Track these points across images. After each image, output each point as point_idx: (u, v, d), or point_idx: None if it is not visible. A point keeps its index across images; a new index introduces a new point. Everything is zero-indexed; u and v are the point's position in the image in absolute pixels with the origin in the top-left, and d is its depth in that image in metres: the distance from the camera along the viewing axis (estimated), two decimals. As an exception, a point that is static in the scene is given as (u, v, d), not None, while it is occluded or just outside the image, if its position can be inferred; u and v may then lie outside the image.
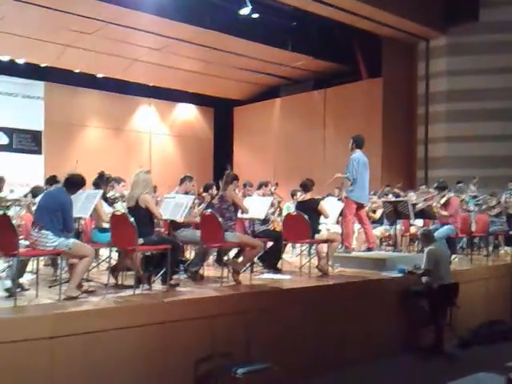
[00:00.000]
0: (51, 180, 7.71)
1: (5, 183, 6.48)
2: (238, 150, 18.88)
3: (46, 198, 5.49)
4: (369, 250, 8.21)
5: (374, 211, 10.26)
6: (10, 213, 6.53)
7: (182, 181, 7.33)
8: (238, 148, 18.89)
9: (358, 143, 8.18)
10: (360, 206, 8.13)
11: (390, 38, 14.66)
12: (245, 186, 8.75)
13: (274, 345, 5.60)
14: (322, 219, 7.59)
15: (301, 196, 8.28)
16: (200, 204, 7.96)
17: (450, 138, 14.23)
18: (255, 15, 13.59)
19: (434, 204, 8.93)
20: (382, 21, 13.63)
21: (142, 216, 5.84)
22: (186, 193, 7.18)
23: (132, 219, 5.55)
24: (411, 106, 15.11)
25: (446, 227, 8.66)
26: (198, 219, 6.99)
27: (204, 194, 8.13)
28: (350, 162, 8.06)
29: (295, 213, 7.33)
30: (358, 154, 8.10)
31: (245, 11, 13.18)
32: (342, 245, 8.04)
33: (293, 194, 10.05)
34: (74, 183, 5.52)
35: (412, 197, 10.31)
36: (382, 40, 14.87)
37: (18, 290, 5.21)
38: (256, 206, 7.36)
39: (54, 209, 5.24)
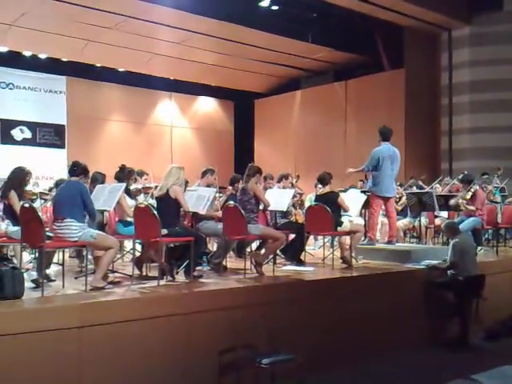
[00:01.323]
0: None
1: (31, 177, 6.57)
2: (258, 143, 18.86)
3: (61, 190, 5.55)
4: (389, 242, 8.13)
5: (397, 202, 10.14)
6: (35, 205, 6.60)
7: (204, 173, 7.33)
8: (259, 140, 18.87)
9: (384, 136, 8.07)
10: (386, 199, 8.04)
11: (412, 29, 14.46)
12: (265, 178, 8.73)
13: (298, 336, 5.58)
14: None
15: (320, 189, 8.24)
16: (221, 197, 7.95)
17: (474, 128, 14.02)
18: (275, 7, 13.56)
19: (460, 201, 8.81)
20: (404, 11, 13.47)
21: (170, 206, 5.90)
22: (208, 185, 7.18)
23: (155, 211, 5.58)
24: (434, 97, 14.91)
25: (471, 219, 8.54)
26: (219, 213, 6.98)
27: (229, 188, 8.11)
28: (369, 155, 7.98)
29: (317, 205, 7.29)
30: (382, 147, 7.99)
31: (265, 3, 13.15)
32: (365, 236, 7.98)
33: (316, 186, 10.01)
34: (79, 168, 5.59)
35: (437, 188, 10.21)
36: (403, 30, 14.68)
37: (45, 280, 5.27)
38: (277, 199, 7.34)
39: (73, 196, 5.30)
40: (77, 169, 5.58)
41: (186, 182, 8.38)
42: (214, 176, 7.41)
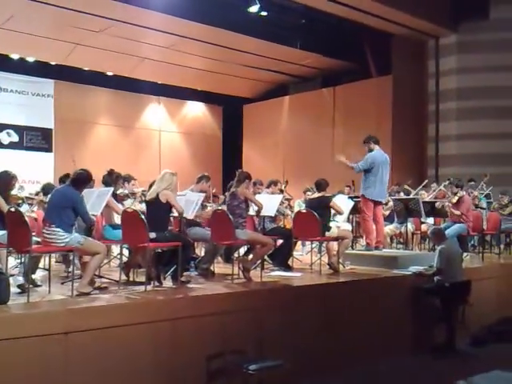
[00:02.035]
0: (65, 179, 7.72)
1: (17, 181, 6.51)
2: (247, 148, 18.86)
3: (55, 195, 5.49)
4: (376, 248, 8.16)
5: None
6: (21, 209, 6.55)
7: (200, 179, 7.36)
8: (247, 146, 18.87)
9: (375, 139, 8.11)
10: (376, 204, 8.07)
11: (399, 36, 14.58)
12: (255, 184, 8.78)
13: (286, 342, 5.59)
14: (333, 216, 7.57)
15: (309, 195, 8.25)
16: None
17: (461, 135, 14.14)
18: (264, 13, 13.60)
19: (446, 203, 8.88)
20: (392, 18, 13.56)
21: (159, 210, 5.89)
22: (201, 192, 7.17)
23: (143, 216, 5.57)
24: (421, 104, 15.02)
25: (457, 225, 8.61)
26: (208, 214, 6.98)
27: (221, 197, 8.14)
28: (364, 157, 8.00)
29: (305, 210, 7.32)
30: (375, 152, 8.02)
31: (254, 9, 13.18)
32: (353, 242, 8.00)
33: (305, 192, 10.07)
34: (80, 181, 5.49)
35: (423, 194, 10.27)
36: (391, 37, 14.80)
37: (31, 286, 5.23)
38: (266, 204, 7.35)
39: (63, 206, 5.25)
40: (79, 180, 5.44)
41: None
42: (209, 184, 7.44)
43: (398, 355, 6.45)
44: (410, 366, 6.38)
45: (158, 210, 5.88)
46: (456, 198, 8.80)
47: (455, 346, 6.90)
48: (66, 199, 5.30)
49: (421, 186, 11.02)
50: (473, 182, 11.40)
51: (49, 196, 6.16)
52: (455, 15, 14.25)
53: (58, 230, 5.16)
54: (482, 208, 9.96)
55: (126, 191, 7.62)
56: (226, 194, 7.89)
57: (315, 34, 14.59)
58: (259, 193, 8.31)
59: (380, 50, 15.09)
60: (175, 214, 6.39)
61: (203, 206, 7.19)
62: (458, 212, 8.71)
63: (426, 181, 11.96)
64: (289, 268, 7.37)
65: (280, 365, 5.01)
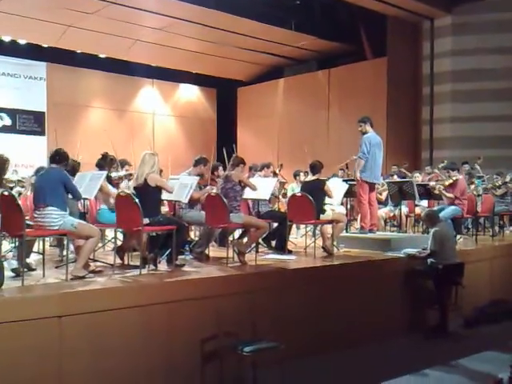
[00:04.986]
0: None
1: (9, 165, 6.47)
2: (241, 131, 18.81)
3: (43, 178, 5.46)
4: (370, 231, 8.19)
5: (381, 193, 10.22)
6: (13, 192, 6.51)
7: (198, 163, 7.27)
8: (242, 129, 18.82)
9: (370, 121, 8.12)
10: (371, 187, 8.09)
11: (394, 18, 14.51)
12: (251, 169, 8.80)
13: (280, 324, 5.62)
14: (327, 199, 7.57)
15: (304, 177, 8.23)
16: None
17: (455, 118, 14.15)
18: (259, -6, 13.48)
19: (438, 186, 8.88)
20: (387, 0, 13.47)
21: (150, 195, 5.84)
22: (199, 175, 7.12)
23: (137, 200, 5.55)
24: (416, 86, 15.00)
25: (451, 208, 8.62)
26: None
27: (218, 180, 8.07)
28: (362, 142, 8.01)
29: (300, 193, 7.31)
30: (370, 134, 8.03)
31: (248, -10, 13.06)
32: (347, 225, 8.02)
33: (295, 175, 10.05)
34: (61, 156, 5.48)
35: (417, 177, 10.28)
36: (386, 19, 14.71)
37: (25, 270, 5.23)
38: (260, 187, 7.33)
39: (54, 185, 5.24)
40: (59, 156, 5.48)
41: (160, 171, 8.32)
42: (207, 166, 7.37)
43: (392, 337, 6.50)
44: (402, 347, 6.44)
45: (149, 194, 5.82)
46: (450, 180, 8.78)
47: (448, 328, 6.96)
48: (55, 178, 5.31)
49: (420, 176, 11.01)
50: (467, 165, 11.42)
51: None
52: (450, -3, 14.19)
53: (53, 209, 5.15)
54: (479, 195, 9.96)
55: (121, 173, 7.57)
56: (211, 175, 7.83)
57: (310, 15, 14.49)
58: (252, 177, 8.31)
59: (375, 31, 15.02)
60: (165, 197, 6.38)
61: (200, 189, 7.13)
62: (450, 195, 8.71)
63: (435, 170, 11.96)
64: (283, 251, 7.37)
65: (274, 347, 5.04)
